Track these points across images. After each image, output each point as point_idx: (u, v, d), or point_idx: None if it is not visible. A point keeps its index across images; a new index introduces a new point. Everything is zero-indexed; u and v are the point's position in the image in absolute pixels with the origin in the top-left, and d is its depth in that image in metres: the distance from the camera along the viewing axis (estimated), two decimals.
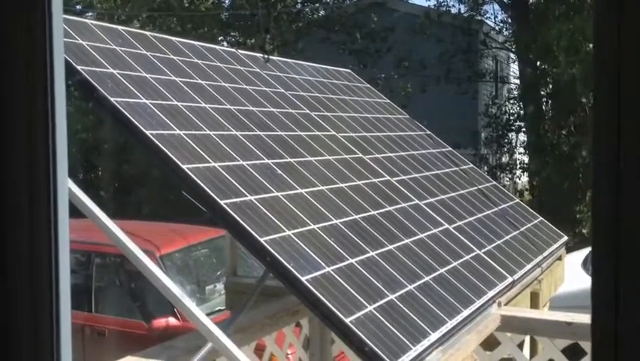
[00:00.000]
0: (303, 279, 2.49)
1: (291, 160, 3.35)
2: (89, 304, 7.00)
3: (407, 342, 2.49)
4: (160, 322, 6.53)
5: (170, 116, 3.02)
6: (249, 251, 2.68)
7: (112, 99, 2.87)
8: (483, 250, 3.70)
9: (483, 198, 4.69)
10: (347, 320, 2.41)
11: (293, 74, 4.83)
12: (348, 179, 3.53)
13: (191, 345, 2.87)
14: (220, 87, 3.69)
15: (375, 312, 2.54)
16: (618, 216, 0.84)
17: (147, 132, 2.79)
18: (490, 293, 3.28)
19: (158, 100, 3.11)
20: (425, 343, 2.56)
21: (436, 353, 2.63)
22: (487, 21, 18.92)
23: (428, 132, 5.43)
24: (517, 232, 4.44)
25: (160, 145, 2.76)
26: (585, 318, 3.23)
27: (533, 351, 3.80)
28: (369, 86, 5.90)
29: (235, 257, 4.56)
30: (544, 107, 16.07)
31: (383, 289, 2.72)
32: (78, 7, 17.52)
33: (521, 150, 17.92)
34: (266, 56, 4.62)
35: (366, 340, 2.37)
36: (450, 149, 5.42)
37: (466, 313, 2.94)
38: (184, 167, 2.71)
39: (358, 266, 2.78)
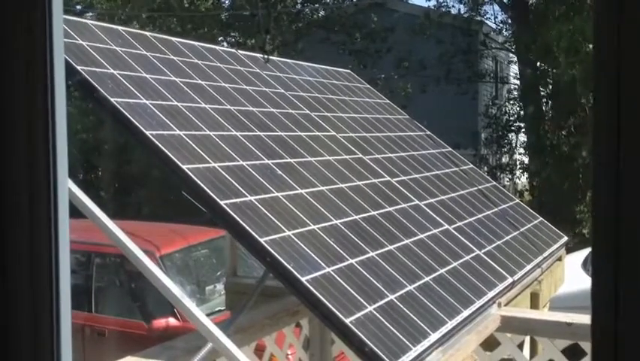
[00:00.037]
0: (303, 279, 2.49)
1: (291, 160, 3.35)
2: (89, 304, 7.00)
3: (407, 342, 2.49)
4: (160, 322, 6.53)
5: (170, 116, 3.02)
6: (248, 251, 2.68)
7: (112, 99, 2.87)
8: (483, 251, 3.70)
9: (483, 198, 4.69)
10: (347, 321, 2.41)
11: (293, 75, 4.83)
12: (348, 179, 3.53)
13: (191, 345, 2.87)
14: (220, 87, 3.70)
15: (375, 312, 2.54)
16: (618, 217, 0.84)
17: (147, 133, 2.79)
18: (490, 294, 3.28)
19: (158, 100, 3.11)
20: (425, 343, 2.56)
21: (436, 353, 2.63)
22: (487, 21, 18.94)
23: (428, 133, 5.43)
24: (517, 232, 4.44)
25: (160, 145, 2.76)
26: (585, 319, 3.23)
27: (533, 352, 3.80)
28: (369, 86, 5.90)
29: (235, 257, 4.56)
30: (544, 108, 16.07)
31: (383, 289, 2.72)
32: (78, 7, 17.53)
33: (521, 150, 17.92)
34: (266, 57, 4.62)
35: (366, 340, 2.37)
36: (450, 149, 5.42)
37: (466, 313, 2.94)
38: (184, 167, 2.71)
39: (358, 267, 2.78)
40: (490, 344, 3.34)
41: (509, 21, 18.02)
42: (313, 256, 2.66)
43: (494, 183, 5.42)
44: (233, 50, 4.69)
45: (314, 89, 4.81)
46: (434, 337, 2.63)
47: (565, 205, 13.65)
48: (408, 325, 2.60)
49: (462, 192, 4.54)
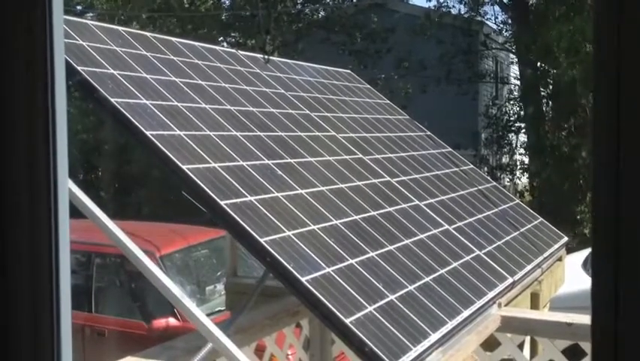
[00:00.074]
0: (303, 279, 2.49)
1: (291, 161, 3.35)
2: (89, 304, 7.00)
3: (407, 343, 2.49)
4: (160, 322, 6.53)
5: (170, 116, 3.02)
6: (249, 252, 2.68)
7: (112, 100, 2.87)
8: (483, 251, 3.70)
9: (483, 198, 4.69)
10: (347, 321, 2.41)
11: (293, 75, 4.83)
12: (348, 180, 3.53)
13: (191, 346, 2.87)
14: (220, 88, 3.70)
15: (375, 313, 2.54)
16: (618, 217, 0.84)
17: (147, 133, 2.79)
18: (491, 294, 3.28)
19: (159, 101, 3.11)
20: (425, 343, 2.56)
21: (436, 353, 2.63)
22: (487, 22, 18.93)
23: (428, 133, 5.43)
24: (518, 232, 4.44)
25: (160, 146, 2.76)
26: (585, 319, 3.23)
27: (533, 352, 3.80)
28: (369, 86, 5.90)
29: (235, 258, 4.56)
30: (544, 108, 16.07)
31: (383, 289, 2.72)
32: (78, 7, 17.53)
33: (521, 150, 17.92)
34: (266, 57, 4.62)
35: (367, 340, 2.37)
36: (450, 150, 5.43)
37: (466, 313, 2.94)
38: (184, 167, 2.71)
39: (358, 267, 2.78)
40: (490, 344, 3.34)
41: (509, 21, 18.02)
42: (313, 256, 2.66)
43: (494, 183, 5.42)
44: (233, 51, 4.69)
45: (314, 90, 4.81)
46: (434, 337, 2.63)
47: (565, 206, 13.65)
48: (408, 325, 2.60)
49: (462, 192, 4.54)
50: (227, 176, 2.84)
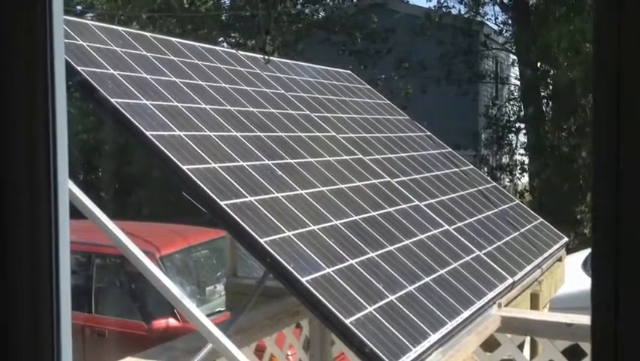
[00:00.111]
0: (303, 280, 2.49)
1: (291, 161, 3.35)
2: (89, 305, 7.00)
3: (407, 343, 2.49)
4: (160, 323, 6.52)
5: (170, 117, 3.02)
6: (249, 252, 2.68)
7: (112, 100, 2.87)
8: (483, 251, 3.70)
9: (483, 199, 4.69)
10: (347, 321, 2.41)
11: (293, 75, 4.83)
12: (348, 180, 3.53)
13: (191, 346, 2.87)
14: (220, 88, 3.70)
15: (375, 313, 2.54)
16: (618, 217, 0.84)
17: (147, 133, 2.79)
18: (491, 294, 3.28)
19: (159, 101, 3.11)
20: (425, 344, 2.56)
21: (436, 354, 2.63)
22: (487, 22, 18.92)
23: (428, 133, 5.44)
24: (518, 233, 4.44)
25: (160, 146, 2.76)
26: (585, 319, 3.23)
27: (533, 352, 3.80)
28: (369, 87, 5.90)
29: (235, 258, 4.56)
30: (544, 109, 16.06)
31: (383, 290, 2.72)
32: (78, 7, 17.53)
33: (521, 151, 17.91)
34: (266, 57, 4.62)
35: (367, 341, 2.37)
36: (450, 150, 5.43)
37: (466, 314, 2.94)
38: (184, 168, 2.71)
39: (358, 267, 2.78)
40: (490, 344, 3.34)
41: (510, 22, 18.01)
42: (313, 256, 2.66)
43: (494, 183, 5.42)
44: (233, 51, 4.69)
45: (314, 90, 4.81)
46: (434, 337, 2.63)
47: (565, 206, 13.65)
48: (408, 325, 2.60)
49: (462, 192, 4.54)
50: (227, 176, 2.84)
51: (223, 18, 17.99)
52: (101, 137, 15.34)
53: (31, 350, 1.02)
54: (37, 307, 1.01)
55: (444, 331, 2.71)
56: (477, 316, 3.07)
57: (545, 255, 4.37)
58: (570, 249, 7.56)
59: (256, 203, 2.78)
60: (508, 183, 17.60)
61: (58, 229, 1.02)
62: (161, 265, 6.53)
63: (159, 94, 3.18)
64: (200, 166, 2.79)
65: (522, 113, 17.18)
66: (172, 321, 6.48)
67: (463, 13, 18.23)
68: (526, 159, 17.39)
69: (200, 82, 3.60)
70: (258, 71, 4.35)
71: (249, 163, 3.06)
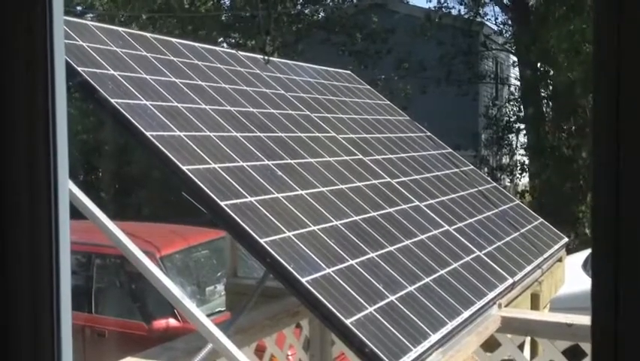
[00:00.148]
0: (303, 280, 2.49)
1: (291, 161, 3.35)
2: (89, 305, 7.00)
3: (407, 343, 2.49)
4: (160, 323, 6.52)
5: (170, 117, 3.02)
6: (249, 252, 2.68)
7: (112, 100, 2.87)
8: (483, 252, 3.70)
9: (483, 199, 4.69)
10: (347, 321, 2.41)
11: (293, 76, 4.83)
12: (348, 180, 3.53)
13: (191, 346, 2.87)
14: (220, 88, 3.70)
15: (375, 313, 2.54)
16: (618, 217, 0.84)
17: (147, 134, 2.79)
18: (491, 295, 3.28)
19: (159, 101, 3.11)
20: (425, 344, 2.56)
21: (437, 354, 2.63)
22: (487, 23, 18.92)
23: (428, 134, 5.44)
24: (518, 233, 4.44)
25: (160, 146, 2.76)
26: (585, 319, 3.23)
27: (534, 353, 3.80)
28: (369, 87, 5.90)
29: (235, 258, 4.56)
30: (544, 109, 16.06)
31: (383, 290, 2.72)
32: (78, 8, 17.53)
33: (522, 151, 17.91)
34: (266, 58, 4.62)
35: (367, 341, 2.37)
36: (450, 150, 5.43)
37: (466, 314, 2.94)
38: (184, 168, 2.71)
39: (358, 267, 2.78)
40: (490, 345, 3.34)
41: (510, 22, 18.01)
42: (313, 257, 2.66)
43: (494, 184, 5.42)
44: (233, 51, 4.69)
45: (314, 90, 4.81)
46: (434, 338, 2.63)
47: (565, 206, 13.65)
48: (408, 326, 2.60)
49: (462, 193, 4.54)
50: (227, 177, 2.84)
51: (223, 18, 17.99)
52: (101, 137, 15.35)
53: (31, 350, 1.02)
54: (37, 307, 1.01)
55: (444, 331, 2.71)
56: (477, 316, 3.07)
57: (545, 255, 4.37)
58: (570, 249, 7.56)
59: (256, 203, 2.78)
60: (509, 184, 17.60)
61: (58, 229, 1.02)
62: (161, 266, 6.53)
63: (159, 94, 3.18)
64: (200, 166, 2.79)
65: (522, 113, 17.17)
66: (172, 321, 6.48)
67: (463, 13, 18.23)
68: (526, 160, 17.39)
69: (200, 82, 3.60)
70: (258, 72, 4.35)
71: (249, 163, 3.06)
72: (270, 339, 4.19)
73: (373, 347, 2.36)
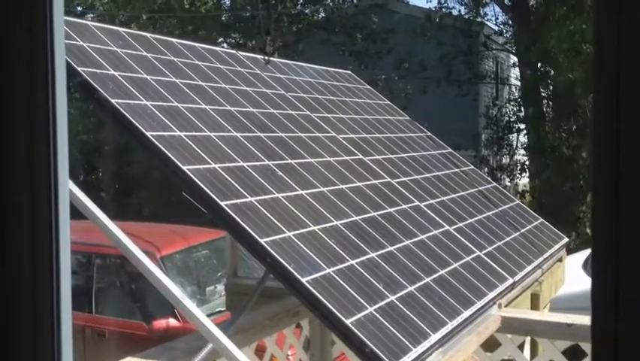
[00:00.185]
0: (303, 280, 2.49)
1: (292, 161, 3.35)
2: (89, 305, 7.00)
3: (407, 343, 2.49)
4: (160, 323, 6.52)
5: (170, 117, 3.02)
6: (249, 252, 2.68)
7: (113, 101, 2.87)
8: (483, 252, 3.70)
9: (483, 199, 4.69)
10: (347, 321, 2.41)
11: (293, 76, 4.83)
12: (348, 180, 3.53)
13: (191, 346, 2.87)
14: (220, 89, 3.70)
15: (375, 313, 2.54)
16: (618, 217, 0.84)
17: (148, 134, 2.79)
18: (491, 295, 3.28)
19: (159, 101, 3.11)
20: (426, 344, 2.56)
21: (437, 354, 2.63)
22: (487, 23, 18.92)
23: (429, 134, 5.44)
24: (518, 233, 4.44)
25: (160, 146, 2.77)
26: (586, 319, 3.23)
27: (534, 352, 3.80)
28: (369, 87, 5.90)
29: (235, 258, 4.56)
30: (544, 109, 16.06)
31: (383, 290, 2.72)
32: (79, 8, 17.53)
33: (522, 151, 17.91)
34: (266, 58, 4.62)
35: (367, 341, 2.37)
36: (450, 150, 5.43)
37: (466, 314, 2.94)
38: (184, 168, 2.71)
39: (359, 267, 2.78)
40: (490, 344, 3.34)
41: (510, 22, 18.01)
42: (314, 257, 2.66)
43: (495, 184, 5.42)
44: (233, 52, 4.69)
45: (314, 90, 4.81)
46: (434, 338, 2.63)
47: (565, 206, 13.64)
48: (408, 326, 2.60)
49: (462, 193, 4.54)
50: (228, 177, 2.84)
51: (223, 19, 17.99)
52: (102, 137, 15.35)
53: (31, 350, 1.02)
54: (37, 307, 1.01)
55: (444, 331, 2.71)
56: (477, 316, 3.07)
57: (546, 255, 4.37)
58: (570, 249, 7.56)
59: (256, 203, 2.78)
60: (509, 184, 17.60)
61: (58, 229, 1.02)
62: (161, 266, 6.53)
63: (159, 94, 3.18)
64: (201, 166, 2.79)
65: (522, 113, 17.17)
66: (172, 321, 6.48)
67: (463, 13, 18.24)
68: (526, 160, 17.39)
69: (200, 82, 3.60)
70: (258, 72, 4.35)
71: (249, 163, 3.06)
72: (270, 339, 4.19)
73: (373, 347, 2.36)
